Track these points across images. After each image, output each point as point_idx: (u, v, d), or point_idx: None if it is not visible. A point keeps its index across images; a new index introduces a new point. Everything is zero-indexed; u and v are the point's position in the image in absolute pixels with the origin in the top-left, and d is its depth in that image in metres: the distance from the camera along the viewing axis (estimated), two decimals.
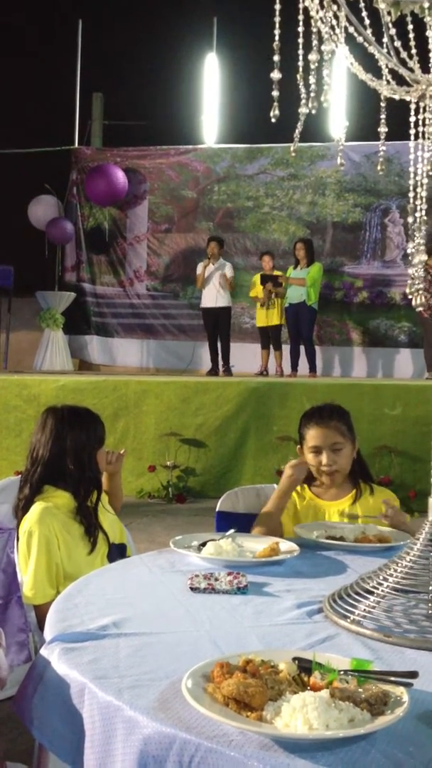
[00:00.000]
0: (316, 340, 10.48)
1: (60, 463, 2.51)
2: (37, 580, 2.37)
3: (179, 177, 12.05)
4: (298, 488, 2.80)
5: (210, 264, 9.91)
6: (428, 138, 1.78)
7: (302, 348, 9.84)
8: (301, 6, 1.74)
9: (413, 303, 1.75)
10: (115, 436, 7.47)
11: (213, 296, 9.94)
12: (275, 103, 1.69)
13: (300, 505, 2.79)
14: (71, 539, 2.45)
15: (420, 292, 1.73)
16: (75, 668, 1.42)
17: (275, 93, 1.67)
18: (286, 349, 10.09)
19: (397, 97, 1.80)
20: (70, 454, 2.51)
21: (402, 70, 1.77)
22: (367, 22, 1.75)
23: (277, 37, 1.69)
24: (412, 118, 1.79)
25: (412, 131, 1.79)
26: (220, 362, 10.11)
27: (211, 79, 11.79)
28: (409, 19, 1.82)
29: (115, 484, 2.89)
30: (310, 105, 1.73)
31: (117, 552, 2.60)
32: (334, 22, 1.73)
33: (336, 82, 1.77)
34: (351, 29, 1.74)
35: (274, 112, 1.70)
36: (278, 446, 7.42)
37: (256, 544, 2.25)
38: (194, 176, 12.02)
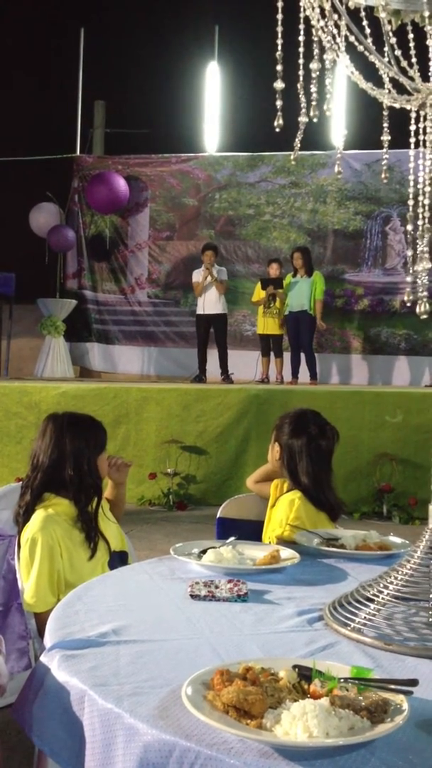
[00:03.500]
0: (317, 347, 10.48)
1: (59, 470, 2.51)
2: (39, 587, 2.37)
3: (180, 185, 12.07)
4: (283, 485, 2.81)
5: (209, 273, 9.85)
6: (429, 146, 1.78)
7: (303, 355, 9.84)
8: (302, 15, 1.75)
9: (418, 310, 1.75)
10: (116, 443, 7.46)
11: (214, 303, 9.91)
12: (279, 113, 1.70)
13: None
14: (72, 546, 2.45)
15: (425, 299, 1.73)
16: (75, 675, 1.41)
17: (279, 103, 1.68)
18: (286, 356, 10.08)
19: (397, 105, 1.80)
20: (68, 460, 2.51)
21: (402, 79, 1.78)
22: (367, 31, 1.76)
23: (279, 47, 1.69)
24: (413, 127, 1.80)
25: (413, 140, 1.80)
26: (218, 370, 10.04)
27: (212, 88, 11.82)
28: (409, 27, 1.83)
29: (119, 495, 2.89)
30: (310, 114, 1.74)
31: (118, 559, 2.60)
32: (335, 31, 1.74)
33: (337, 90, 1.78)
34: (351, 38, 1.74)
35: (279, 122, 1.71)
36: None
37: (256, 552, 2.25)
38: (195, 184, 12.04)
